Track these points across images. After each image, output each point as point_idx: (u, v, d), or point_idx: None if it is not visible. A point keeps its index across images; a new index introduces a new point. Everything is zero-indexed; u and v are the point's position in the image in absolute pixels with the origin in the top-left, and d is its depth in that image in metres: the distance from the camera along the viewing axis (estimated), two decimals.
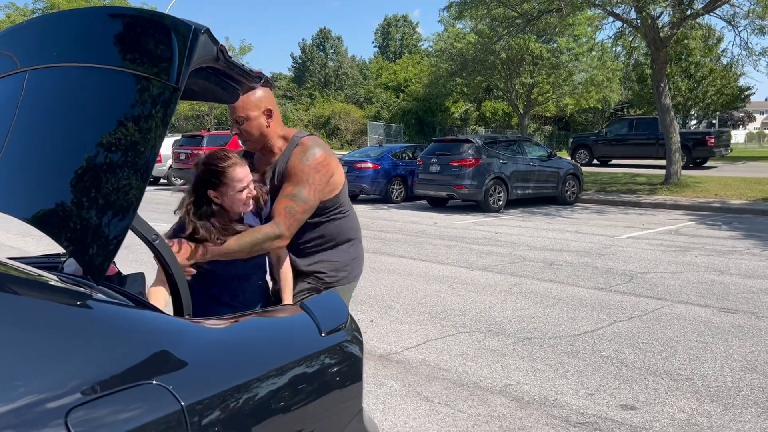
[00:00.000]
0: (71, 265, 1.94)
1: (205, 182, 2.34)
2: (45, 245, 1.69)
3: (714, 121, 49.30)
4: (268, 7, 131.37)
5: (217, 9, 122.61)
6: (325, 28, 71.98)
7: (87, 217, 1.50)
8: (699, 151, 23.03)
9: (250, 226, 2.42)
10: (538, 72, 31.11)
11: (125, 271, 2.16)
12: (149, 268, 2.14)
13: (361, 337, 1.88)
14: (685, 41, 25.92)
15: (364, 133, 43.47)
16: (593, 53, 29.40)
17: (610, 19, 18.71)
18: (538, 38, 29.52)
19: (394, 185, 16.18)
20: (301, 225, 2.51)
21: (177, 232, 2.40)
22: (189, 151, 19.23)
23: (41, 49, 1.81)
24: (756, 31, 17.20)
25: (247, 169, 2.36)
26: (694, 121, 43.64)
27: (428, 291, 6.50)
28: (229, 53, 1.75)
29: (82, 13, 1.77)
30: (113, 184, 1.50)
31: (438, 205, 15.18)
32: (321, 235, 2.64)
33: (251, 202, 2.39)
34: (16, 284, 1.38)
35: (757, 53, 18.14)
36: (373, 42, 75.44)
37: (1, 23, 38.00)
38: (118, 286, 1.79)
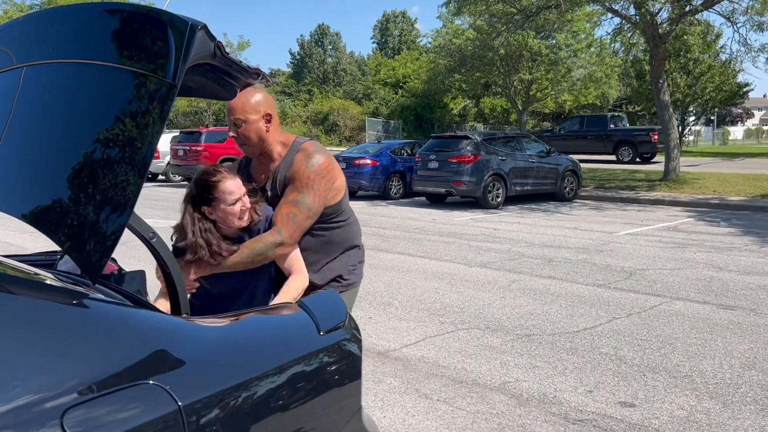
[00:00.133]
0: (66, 263, 1.92)
1: (198, 199, 2.34)
2: (43, 242, 1.67)
3: (712, 118, 49.34)
4: (267, 3, 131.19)
5: (215, 5, 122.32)
6: (323, 24, 72.01)
7: (84, 213, 1.49)
8: (644, 146, 24.48)
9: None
10: (536, 68, 31.09)
11: (125, 269, 2.14)
12: (147, 265, 2.13)
13: (360, 335, 1.88)
14: (684, 37, 25.91)
15: (362, 129, 43.43)
16: (592, 49, 29.37)
17: (609, 15, 18.71)
18: (537, 34, 29.47)
19: (392, 181, 16.16)
20: (304, 232, 2.43)
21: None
22: (187, 148, 19.21)
23: (38, 45, 1.80)
24: (755, 27, 17.17)
25: (238, 182, 2.34)
26: (692, 117, 43.66)
27: (427, 288, 6.49)
28: (227, 49, 1.74)
29: (79, 8, 1.76)
30: (110, 181, 1.49)
31: (437, 201, 15.17)
32: (329, 243, 2.55)
33: (246, 215, 2.37)
34: (10, 283, 1.37)
35: (756, 49, 18.14)
36: (371, 38, 75.43)
37: None
38: (115, 284, 1.78)
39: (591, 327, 5.13)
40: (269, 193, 2.51)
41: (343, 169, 2.68)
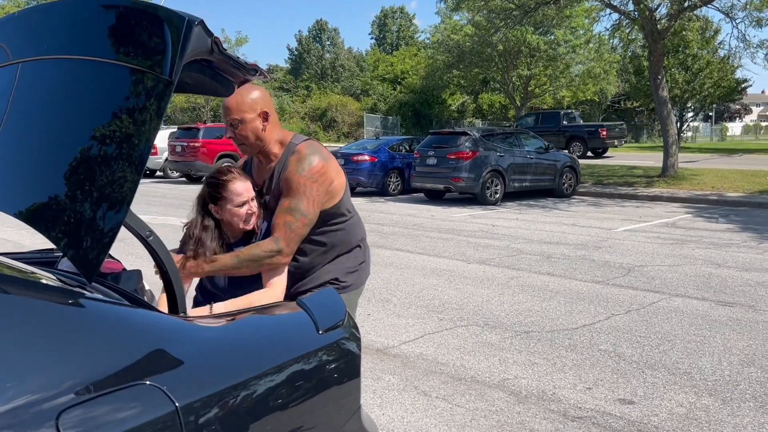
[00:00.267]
0: (67, 261, 1.91)
1: (206, 196, 2.33)
2: (41, 239, 1.66)
3: (711, 114, 49.38)
4: None
5: (213, 0, 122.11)
6: (321, 20, 71.92)
7: (80, 210, 1.48)
8: (594, 141, 25.92)
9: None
10: (535, 64, 31.09)
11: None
12: (145, 262, 2.12)
13: (359, 333, 1.86)
14: (683, 33, 25.89)
15: (360, 125, 43.41)
16: (590, 45, 29.38)
17: (608, 10, 18.67)
18: (536, 30, 29.47)
19: (391, 178, 16.15)
20: (303, 239, 2.38)
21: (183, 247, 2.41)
22: (185, 144, 19.17)
23: (33, 41, 1.78)
24: (753, 23, 17.17)
25: (248, 185, 2.31)
26: (691, 114, 43.69)
27: (425, 284, 6.48)
28: (225, 45, 1.72)
29: (75, 4, 1.74)
30: (107, 178, 1.48)
31: (435, 197, 15.16)
32: (324, 246, 2.49)
33: (252, 219, 2.35)
34: (6, 282, 1.35)
35: (754, 45, 18.15)
36: (369, 34, 75.31)
37: None
38: (112, 283, 1.77)
39: (590, 324, 5.12)
40: (266, 197, 2.45)
41: (341, 165, 2.62)
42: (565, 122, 27.02)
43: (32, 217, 1.57)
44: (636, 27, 18.23)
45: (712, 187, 15.38)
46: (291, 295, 2.44)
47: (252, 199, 2.33)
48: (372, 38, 73.33)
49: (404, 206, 13.76)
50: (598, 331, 4.94)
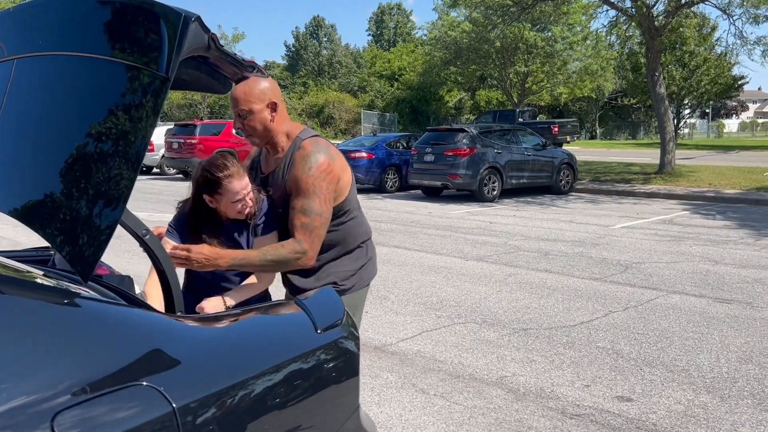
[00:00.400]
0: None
1: (202, 186, 2.31)
2: (37, 237, 1.64)
3: (707, 110, 49.44)
4: None
5: None
6: (318, 16, 71.73)
7: (76, 208, 1.46)
8: (546, 137, 27.44)
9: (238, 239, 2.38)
10: (532, 61, 31.07)
11: (118, 264, 2.11)
12: (142, 259, 2.10)
13: (358, 332, 1.85)
14: (680, 30, 25.92)
15: (358, 122, 43.36)
16: (588, 42, 29.37)
17: (605, 7, 18.66)
18: (533, 27, 29.48)
19: (388, 175, 16.12)
20: (323, 238, 2.37)
21: (179, 227, 2.36)
22: (182, 140, 19.12)
23: (29, 37, 1.76)
24: (750, 20, 17.18)
25: (245, 180, 2.30)
26: (687, 110, 43.75)
27: (423, 281, 6.47)
28: (222, 41, 1.70)
29: None
30: (103, 175, 1.46)
31: (432, 194, 15.15)
32: (328, 244, 2.46)
33: (246, 211, 2.34)
34: (0, 281, 1.34)
35: (751, 42, 18.16)
36: (366, 30, 75.07)
37: None
38: (109, 282, 1.75)
39: (587, 321, 5.12)
40: (270, 190, 2.44)
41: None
42: (520, 120, 28.33)
43: (27, 215, 1.55)
44: (633, 24, 18.23)
45: (709, 184, 15.39)
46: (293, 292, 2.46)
47: (248, 194, 2.31)
48: (369, 35, 73.23)
49: (402, 203, 13.75)
50: (596, 328, 4.94)
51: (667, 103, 17.49)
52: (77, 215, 1.46)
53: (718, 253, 7.80)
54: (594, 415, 3.44)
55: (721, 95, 41.20)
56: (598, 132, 50.59)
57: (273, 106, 2.34)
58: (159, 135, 20.12)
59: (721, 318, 5.17)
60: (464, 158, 13.71)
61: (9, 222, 9.35)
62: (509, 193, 14.76)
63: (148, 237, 1.61)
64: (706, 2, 17.02)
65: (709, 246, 8.32)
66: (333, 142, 22.31)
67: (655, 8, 17.07)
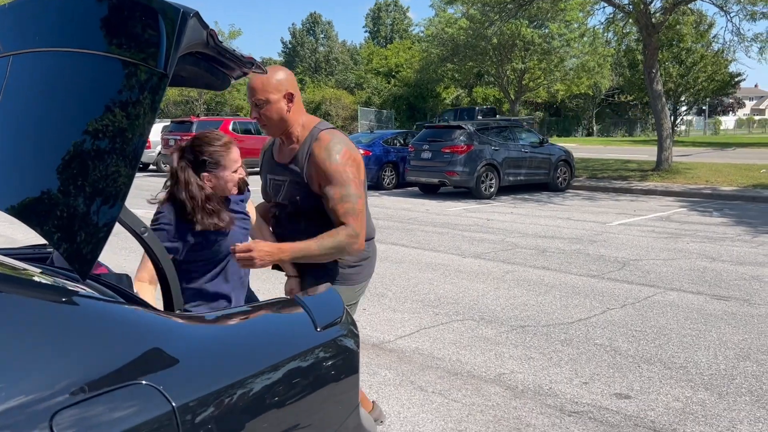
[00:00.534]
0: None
1: (199, 165, 2.27)
2: (34, 235, 1.63)
3: (704, 107, 49.52)
4: None
5: None
6: (315, 13, 71.63)
7: (74, 205, 1.45)
8: None
9: (235, 212, 2.38)
10: (529, 57, 31.07)
11: (116, 261, 2.10)
12: (140, 256, 2.09)
13: (357, 331, 1.85)
14: (677, 27, 25.92)
15: (354, 119, 43.28)
16: (585, 39, 29.38)
17: (602, 4, 18.67)
18: (530, 23, 29.45)
19: (385, 172, 16.11)
20: (319, 226, 2.41)
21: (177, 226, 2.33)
22: (178, 137, 19.05)
23: (25, 34, 1.75)
24: (747, 16, 17.20)
25: (238, 150, 2.35)
26: (684, 107, 43.81)
27: (421, 279, 6.47)
28: (219, 38, 1.69)
29: None
30: (101, 172, 1.45)
31: (430, 191, 15.14)
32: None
33: (237, 183, 2.36)
34: None
35: (748, 39, 18.18)
36: (363, 27, 75.02)
37: None
38: (107, 280, 1.74)
39: (585, 318, 5.12)
40: (288, 178, 2.46)
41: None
42: (480, 117, 28.69)
43: (24, 212, 1.54)
44: (630, 20, 18.21)
45: (706, 180, 15.41)
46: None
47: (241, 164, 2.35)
48: (366, 31, 73.10)
49: (399, 200, 13.74)
50: (593, 325, 4.94)
51: (664, 100, 17.49)
52: (75, 212, 1.45)
53: (716, 250, 7.81)
54: (592, 412, 3.44)
55: (718, 92, 41.26)
56: (594, 129, 50.64)
57: (290, 97, 2.37)
58: (155, 132, 20.07)
59: (718, 315, 5.17)
60: (461, 155, 13.71)
61: (6, 219, 9.32)
62: (506, 190, 14.76)
63: (146, 234, 1.60)
64: None
65: (706, 243, 8.33)
66: None
67: (652, 5, 17.08)
